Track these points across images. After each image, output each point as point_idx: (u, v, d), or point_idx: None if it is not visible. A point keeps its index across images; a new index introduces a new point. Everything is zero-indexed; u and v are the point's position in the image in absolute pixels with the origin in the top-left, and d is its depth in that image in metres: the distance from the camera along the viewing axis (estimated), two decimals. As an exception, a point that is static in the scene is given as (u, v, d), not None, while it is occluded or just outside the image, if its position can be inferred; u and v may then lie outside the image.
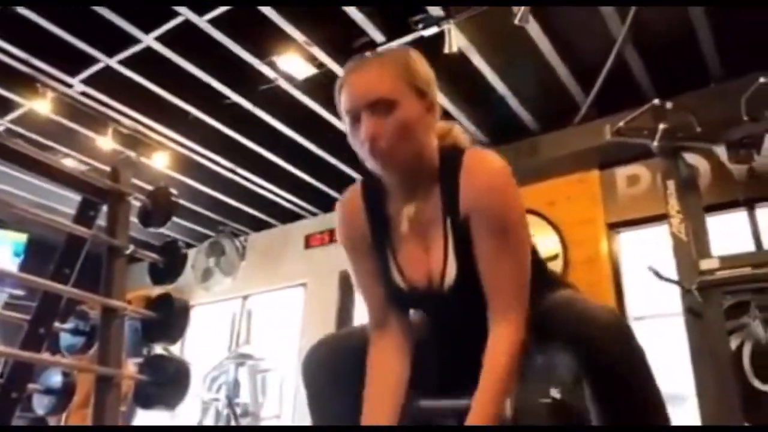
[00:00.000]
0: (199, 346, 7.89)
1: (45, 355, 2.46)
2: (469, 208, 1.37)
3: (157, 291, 3.11)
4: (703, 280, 3.15)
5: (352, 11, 4.09)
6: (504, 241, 1.36)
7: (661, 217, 3.55)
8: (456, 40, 4.12)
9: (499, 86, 4.88)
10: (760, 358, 3.78)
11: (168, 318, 2.51)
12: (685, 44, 4.38)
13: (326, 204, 7.10)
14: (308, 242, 7.33)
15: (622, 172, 5.22)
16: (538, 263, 1.54)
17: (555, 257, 5.12)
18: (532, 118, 5.36)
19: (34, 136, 5.64)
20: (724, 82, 4.59)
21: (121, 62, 4.73)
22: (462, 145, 1.48)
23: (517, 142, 5.39)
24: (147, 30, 4.37)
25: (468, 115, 5.25)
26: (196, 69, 4.76)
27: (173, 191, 2.89)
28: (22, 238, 7.75)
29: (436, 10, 4.08)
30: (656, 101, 3.59)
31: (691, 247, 3.34)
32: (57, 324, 2.84)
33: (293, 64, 4.69)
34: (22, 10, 4.17)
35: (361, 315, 1.92)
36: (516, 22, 3.86)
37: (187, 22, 4.25)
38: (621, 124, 3.70)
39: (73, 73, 4.92)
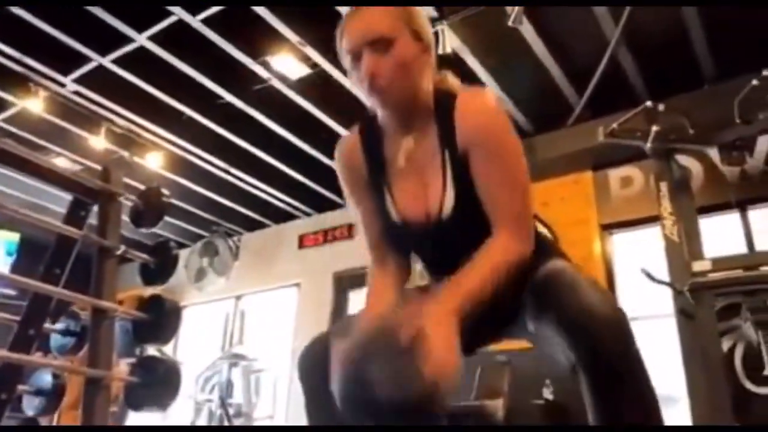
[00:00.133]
0: (193, 347, 7.88)
1: (34, 357, 2.45)
2: (466, 142, 1.40)
3: (149, 292, 3.11)
4: (694, 281, 3.15)
5: (346, 11, 4.08)
6: (504, 167, 1.39)
7: (654, 219, 3.55)
8: (449, 41, 4.13)
9: (493, 87, 4.88)
10: (752, 360, 3.79)
11: (159, 319, 2.51)
12: (679, 46, 4.40)
13: (320, 204, 7.10)
14: (302, 242, 7.32)
15: (615, 174, 5.23)
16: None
17: (548, 258, 5.12)
18: (526, 119, 5.37)
19: (26, 136, 5.62)
20: (717, 84, 4.60)
21: (114, 62, 4.72)
22: (456, 90, 1.51)
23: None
24: (140, 29, 4.36)
25: (462, 115, 5.23)
26: (190, 69, 4.75)
27: (165, 191, 2.89)
28: (14, 237, 7.72)
29: (429, 11, 4.07)
30: (649, 103, 3.59)
31: (683, 249, 3.34)
32: (47, 325, 2.83)
33: (287, 64, 4.68)
34: (15, 9, 4.15)
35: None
36: (510, 23, 3.86)
37: (181, 22, 4.24)
38: (614, 125, 3.70)
39: (65, 72, 4.90)
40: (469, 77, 4.74)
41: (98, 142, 5.64)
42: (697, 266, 3.27)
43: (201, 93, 5.06)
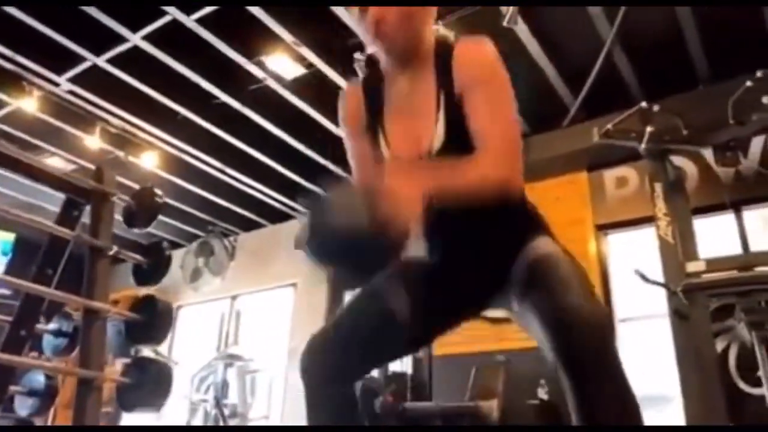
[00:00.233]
0: (188, 347, 7.87)
1: (25, 358, 2.44)
2: (462, 84, 1.46)
3: (144, 292, 3.10)
4: (688, 282, 3.15)
5: (341, 11, 4.09)
6: (495, 102, 1.45)
7: (649, 219, 3.56)
8: (445, 42, 4.12)
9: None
10: (746, 360, 3.79)
11: (152, 320, 2.50)
12: (674, 47, 4.40)
13: (316, 204, 7.08)
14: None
15: (610, 174, 5.24)
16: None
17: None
18: (521, 120, 5.36)
19: (21, 135, 5.60)
20: (712, 85, 4.61)
21: (108, 61, 4.70)
22: (454, 41, 1.58)
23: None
24: (134, 29, 4.35)
25: (457, 116, 5.24)
26: (185, 68, 4.74)
27: (158, 191, 2.88)
28: (9, 237, 7.71)
29: (424, 11, 4.06)
30: (643, 104, 3.59)
31: (677, 250, 3.34)
32: (40, 325, 2.82)
33: (282, 64, 4.68)
34: (8, 8, 4.14)
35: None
36: (504, 23, 3.86)
37: (175, 22, 4.23)
38: (609, 126, 3.70)
39: (60, 72, 4.89)
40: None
41: (93, 141, 5.63)
42: (692, 267, 3.28)
43: (196, 93, 5.05)
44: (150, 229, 7.61)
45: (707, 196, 4.47)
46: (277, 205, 7.13)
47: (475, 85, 1.45)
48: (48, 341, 2.90)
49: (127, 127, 5.64)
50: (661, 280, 3.30)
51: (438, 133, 1.47)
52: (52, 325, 2.83)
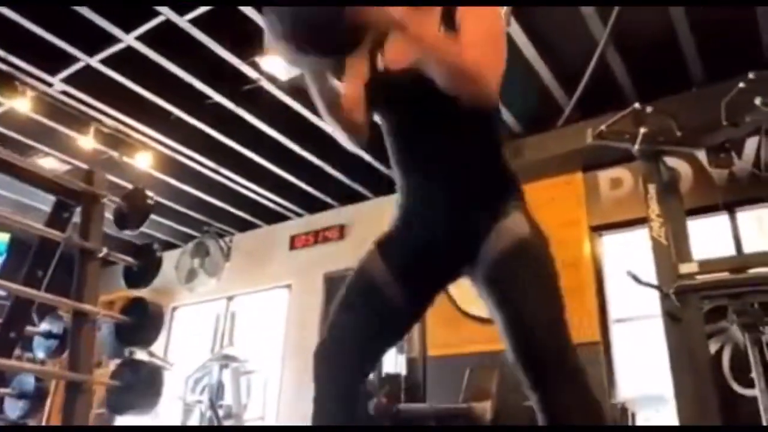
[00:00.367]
0: (184, 347, 7.85)
1: (14, 361, 2.43)
2: (461, 15, 1.52)
3: (140, 293, 3.08)
4: (680, 284, 3.15)
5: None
6: (488, 23, 1.52)
7: (644, 220, 3.55)
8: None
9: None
10: (740, 361, 3.79)
11: (141, 322, 2.49)
12: (667, 48, 4.40)
13: (311, 205, 7.08)
14: (293, 243, 7.30)
15: (605, 175, 5.23)
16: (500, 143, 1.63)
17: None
18: (516, 121, 5.37)
19: (14, 135, 5.58)
20: (706, 86, 4.61)
21: (101, 61, 4.69)
22: None
23: (502, 145, 5.38)
24: (127, 29, 4.33)
25: (452, 117, 5.23)
26: (178, 69, 4.73)
27: (149, 193, 2.87)
28: (4, 237, 7.68)
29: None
30: (637, 105, 3.58)
31: (670, 251, 3.34)
32: (30, 327, 2.81)
33: (276, 64, 4.66)
34: (1, 9, 4.12)
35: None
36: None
37: (168, 22, 4.21)
38: (602, 127, 3.69)
39: (53, 72, 4.87)
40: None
41: (87, 142, 5.61)
42: (684, 268, 3.27)
43: (190, 93, 5.03)
44: (145, 230, 7.61)
45: (702, 197, 4.47)
46: (272, 205, 7.11)
47: (471, 11, 1.52)
48: (39, 343, 2.88)
49: (121, 127, 5.63)
50: (655, 281, 3.30)
51: None
52: (43, 327, 2.82)
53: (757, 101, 3.19)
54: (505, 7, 3.83)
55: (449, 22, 1.54)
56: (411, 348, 5.42)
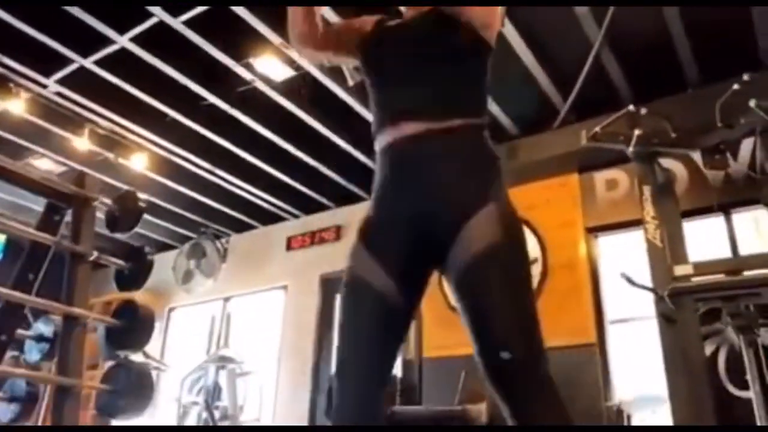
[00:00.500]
0: (180, 349, 7.84)
1: (4, 367, 2.41)
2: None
3: (138, 294, 3.06)
4: (674, 287, 3.14)
5: (328, 12, 4.06)
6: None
7: (640, 222, 3.54)
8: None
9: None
10: (735, 363, 3.78)
11: (132, 325, 2.47)
12: (663, 50, 4.39)
13: (307, 206, 7.07)
14: (289, 244, 7.28)
15: (600, 176, 5.21)
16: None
17: (534, 261, 5.11)
18: (512, 122, 5.35)
19: (8, 137, 5.57)
20: (701, 88, 4.59)
21: (96, 63, 4.67)
22: None
23: (497, 146, 5.35)
24: (121, 31, 4.31)
25: (447, 118, 5.22)
26: (173, 70, 4.71)
27: (141, 196, 2.86)
28: (1, 238, 7.67)
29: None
30: (631, 107, 3.58)
31: (665, 253, 3.33)
32: (22, 331, 2.79)
33: (270, 65, 4.65)
34: (-6, 10, 4.11)
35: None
36: (498, 26, 3.83)
37: (162, 24, 4.20)
38: (597, 129, 3.68)
39: (47, 74, 4.85)
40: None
41: (82, 143, 5.59)
42: (679, 270, 3.26)
43: (184, 94, 5.02)
44: (141, 231, 7.63)
45: (698, 199, 4.45)
46: (267, 206, 7.10)
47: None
48: (31, 346, 2.87)
49: (116, 128, 5.61)
50: (650, 283, 3.29)
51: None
52: (34, 330, 2.81)
53: (752, 103, 3.18)
54: (499, 9, 3.82)
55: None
56: (407, 350, 5.41)
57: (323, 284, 6.77)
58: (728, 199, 4.41)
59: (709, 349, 3.93)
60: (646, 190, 3.54)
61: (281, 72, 4.73)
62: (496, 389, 1.31)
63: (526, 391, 1.29)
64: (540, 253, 5.17)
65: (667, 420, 3.66)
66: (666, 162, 3.93)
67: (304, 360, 6.52)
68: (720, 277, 3.26)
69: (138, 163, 6.00)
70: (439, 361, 5.11)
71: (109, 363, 3.22)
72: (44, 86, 5.01)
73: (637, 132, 3.51)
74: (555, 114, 5.03)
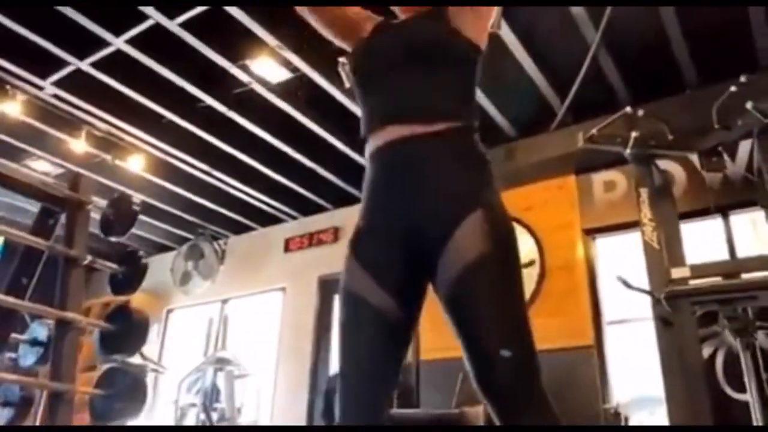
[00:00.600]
0: (179, 351, 7.83)
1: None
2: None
3: (136, 295, 3.05)
4: (671, 290, 3.13)
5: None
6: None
7: (638, 223, 3.53)
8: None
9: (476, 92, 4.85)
10: (733, 365, 3.78)
11: (125, 330, 2.46)
12: (660, 51, 4.38)
13: (305, 207, 7.06)
14: (288, 246, 7.27)
15: (598, 178, 5.20)
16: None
17: (532, 263, 5.10)
18: (509, 124, 5.34)
19: (5, 139, 5.55)
20: (699, 89, 4.58)
21: (92, 65, 4.66)
22: None
23: (494, 148, 5.36)
24: (117, 33, 4.30)
25: (445, 120, 5.21)
26: (169, 72, 4.70)
27: (135, 200, 2.85)
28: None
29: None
30: (628, 109, 3.57)
31: (662, 256, 3.32)
32: (15, 335, 2.78)
33: (267, 67, 4.64)
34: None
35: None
36: (488, 28, 3.82)
37: (158, 26, 4.19)
38: (594, 131, 3.68)
39: (44, 76, 4.84)
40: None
41: (79, 145, 5.58)
42: (676, 273, 3.25)
43: (181, 96, 5.01)
44: (139, 233, 7.61)
45: (695, 201, 4.44)
46: (265, 208, 7.09)
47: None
48: (25, 350, 2.86)
49: (113, 130, 5.61)
50: (647, 286, 3.28)
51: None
52: (29, 335, 2.80)
53: (749, 105, 3.17)
54: (495, 10, 3.81)
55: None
56: (404, 352, 5.39)
57: (321, 286, 6.76)
58: (726, 200, 4.41)
59: (706, 352, 3.92)
60: (644, 192, 3.53)
61: (278, 74, 4.72)
62: (488, 402, 1.29)
63: (517, 405, 1.27)
64: (537, 255, 5.16)
65: (664, 422, 3.66)
66: (663, 164, 3.93)
67: (302, 362, 6.52)
68: (717, 280, 3.26)
69: (135, 164, 6.00)
70: (435, 363, 5.10)
71: (105, 365, 3.21)
72: (41, 88, 5.00)
73: (634, 134, 3.50)
74: (552, 116, 5.02)
